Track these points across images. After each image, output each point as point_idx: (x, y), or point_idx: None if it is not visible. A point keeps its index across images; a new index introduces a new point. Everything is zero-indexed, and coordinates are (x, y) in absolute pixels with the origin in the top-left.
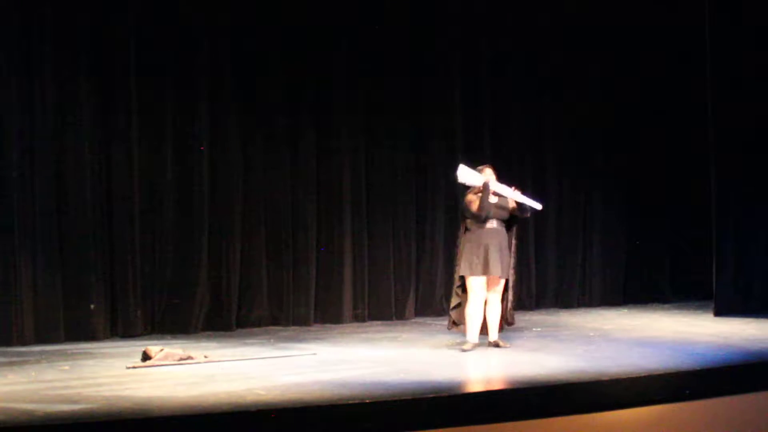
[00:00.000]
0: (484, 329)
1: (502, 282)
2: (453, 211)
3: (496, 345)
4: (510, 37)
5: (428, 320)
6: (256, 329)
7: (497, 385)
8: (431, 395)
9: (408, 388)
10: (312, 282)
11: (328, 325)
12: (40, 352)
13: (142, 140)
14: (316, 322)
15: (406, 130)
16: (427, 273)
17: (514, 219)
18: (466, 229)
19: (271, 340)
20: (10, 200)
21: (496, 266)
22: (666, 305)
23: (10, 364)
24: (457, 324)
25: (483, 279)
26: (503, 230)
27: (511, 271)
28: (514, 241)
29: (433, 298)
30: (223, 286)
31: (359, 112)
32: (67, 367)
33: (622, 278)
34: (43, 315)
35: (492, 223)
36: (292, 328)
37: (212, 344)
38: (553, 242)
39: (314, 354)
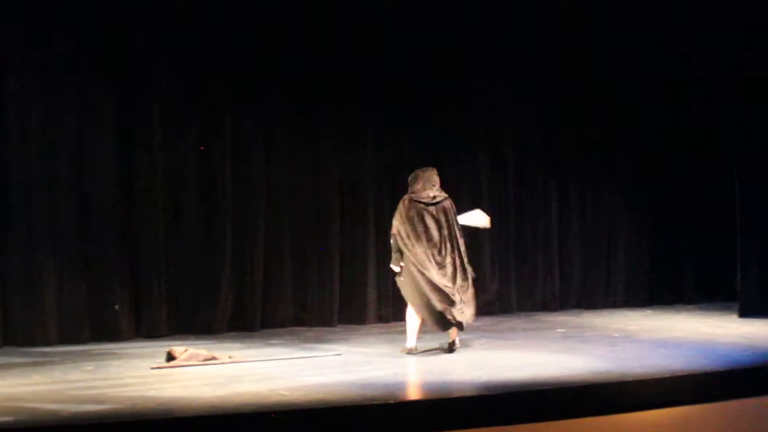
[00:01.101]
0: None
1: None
2: None
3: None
4: (532, 56)
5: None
6: (280, 330)
7: (521, 387)
8: (455, 396)
9: (432, 389)
10: (336, 282)
11: (352, 326)
12: (65, 353)
13: (166, 140)
14: (340, 322)
15: (430, 135)
16: None
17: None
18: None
19: (295, 341)
20: (34, 201)
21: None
22: (690, 306)
23: (35, 364)
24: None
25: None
26: None
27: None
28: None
29: None
30: (247, 287)
31: (383, 112)
32: (91, 368)
33: (646, 279)
34: (67, 316)
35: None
36: (316, 328)
37: (236, 345)
38: (577, 243)
39: (338, 354)
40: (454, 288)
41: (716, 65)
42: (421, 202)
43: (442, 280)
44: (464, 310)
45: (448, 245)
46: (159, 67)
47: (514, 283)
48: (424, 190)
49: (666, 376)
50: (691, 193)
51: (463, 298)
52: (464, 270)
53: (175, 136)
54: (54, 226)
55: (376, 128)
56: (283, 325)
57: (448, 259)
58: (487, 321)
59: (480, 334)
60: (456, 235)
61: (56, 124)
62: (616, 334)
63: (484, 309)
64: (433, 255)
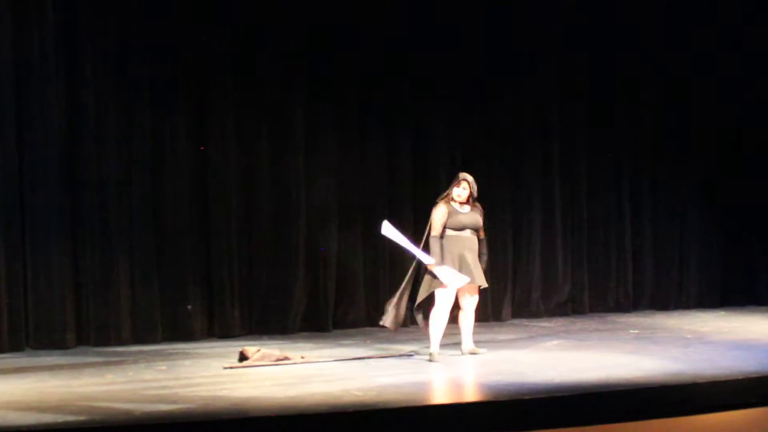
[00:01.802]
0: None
1: (477, 291)
2: (549, 215)
3: (473, 353)
4: (609, 60)
5: (524, 321)
6: (352, 330)
7: (593, 388)
8: (528, 397)
9: (504, 390)
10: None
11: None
12: (138, 353)
13: (239, 141)
14: (412, 323)
15: (500, 137)
16: (524, 275)
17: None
18: (441, 237)
19: (368, 341)
20: (108, 201)
21: (471, 274)
22: (763, 307)
23: (108, 364)
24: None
25: (453, 289)
26: (475, 239)
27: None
28: (485, 253)
29: (529, 300)
30: (319, 287)
31: (453, 113)
32: (164, 368)
33: (719, 280)
34: (140, 316)
35: (466, 232)
36: (389, 329)
37: (309, 345)
38: (650, 244)
39: (411, 355)
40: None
41: None
42: None
43: None
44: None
45: None
46: (232, 65)
47: (587, 284)
48: None
49: (739, 377)
50: (764, 195)
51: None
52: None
53: (248, 137)
54: (128, 227)
55: (447, 127)
56: (355, 326)
57: None
58: (559, 322)
59: (553, 335)
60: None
61: (130, 123)
62: (689, 336)
63: (556, 310)
64: None
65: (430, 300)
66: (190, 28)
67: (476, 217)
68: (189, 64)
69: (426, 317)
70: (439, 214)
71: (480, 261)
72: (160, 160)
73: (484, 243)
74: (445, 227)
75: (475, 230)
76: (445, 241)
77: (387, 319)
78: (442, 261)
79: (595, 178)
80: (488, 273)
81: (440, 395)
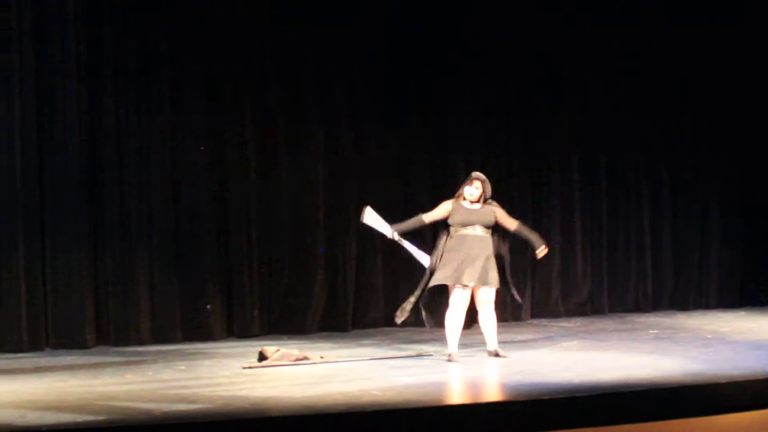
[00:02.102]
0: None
1: (492, 291)
2: (569, 214)
3: (496, 354)
4: (636, 59)
5: (544, 322)
6: (371, 330)
7: (613, 388)
8: (547, 397)
9: (523, 390)
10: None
11: (443, 327)
12: (157, 352)
13: (257, 142)
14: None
15: (524, 140)
16: (543, 275)
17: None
18: (449, 236)
19: (387, 341)
20: (128, 202)
21: (477, 275)
22: None
23: (128, 363)
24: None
25: (465, 288)
26: (488, 236)
27: (511, 280)
28: (507, 252)
29: (549, 300)
30: (339, 287)
31: (479, 115)
32: (183, 367)
33: (739, 280)
34: (159, 315)
35: (472, 229)
36: (408, 329)
37: (328, 345)
38: (669, 244)
39: (430, 355)
40: None
41: None
42: None
43: None
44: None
45: None
46: (249, 67)
47: (606, 284)
48: None
49: (759, 377)
50: None
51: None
52: None
53: (266, 138)
54: (147, 227)
55: (469, 128)
56: (374, 326)
57: None
58: (578, 322)
59: (572, 336)
60: None
61: (149, 124)
62: (709, 336)
63: (576, 310)
64: None
65: (443, 301)
66: (212, 29)
67: (487, 215)
68: (209, 66)
69: (435, 317)
70: (440, 206)
71: (535, 247)
72: (180, 161)
73: (524, 228)
74: (451, 225)
75: (488, 228)
76: (450, 240)
77: (399, 315)
78: (396, 230)
79: (614, 178)
80: (544, 271)
81: (459, 395)
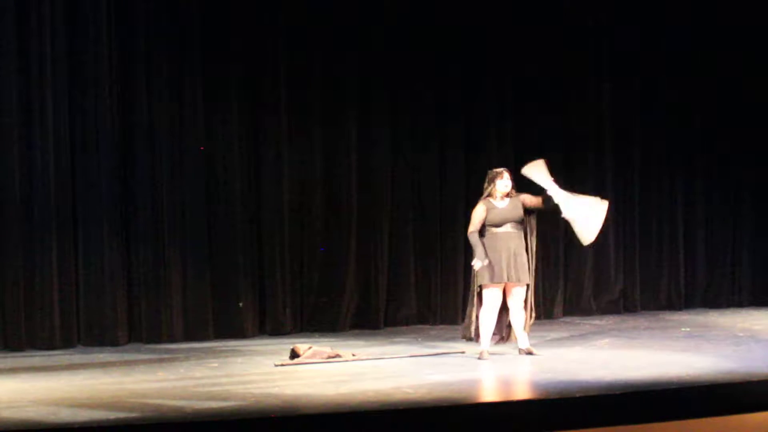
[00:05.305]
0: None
1: (524, 288)
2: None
3: (529, 353)
4: (659, 63)
5: (576, 319)
6: (403, 328)
7: (645, 386)
8: (578, 395)
9: (554, 388)
10: (460, 281)
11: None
12: (189, 350)
13: (292, 140)
14: (464, 320)
15: (555, 137)
16: (575, 272)
17: (531, 214)
18: (482, 237)
19: (419, 339)
20: (161, 201)
21: (513, 272)
22: None
23: (160, 361)
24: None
25: (498, 286)
26: (519, 233)
27: (532, 275)
28: (534, 243)
29: (581, 297)
30: (371, 285)
31: (506, 117)
32: (215, 365)
33: None
34: (192, 313)
35: (506, 227)
36: (440, 326)
37: (360, 342)
38: (702, 242)
39: (462, 352)
40: None
41: None
42: None
43: None
44: None
45: None
46: (285, 66)
47: (639, 281)
48: None
49: None
50: None
51: None
52: None
53: (300, 136)
54: (180, 224)
55: (501, 126)
56: (406, 323)
57: None
58: (611, 320)
59: (604, 333)
60: None
61: (183, 122)
62: (741, 334)
63: (608, 308)
64: None
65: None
66: (244, 29)
67: (517, 208)
68: (243, 65)
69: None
70: (477, 212)
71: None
72: (212, 159)
73: (548, 200)
74: (485, 225)
75: (519, 223)
76: (487, 239)
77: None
78: (485, 256)
79: (647, 176)
80: (577, 268)
81: (490, 393)
